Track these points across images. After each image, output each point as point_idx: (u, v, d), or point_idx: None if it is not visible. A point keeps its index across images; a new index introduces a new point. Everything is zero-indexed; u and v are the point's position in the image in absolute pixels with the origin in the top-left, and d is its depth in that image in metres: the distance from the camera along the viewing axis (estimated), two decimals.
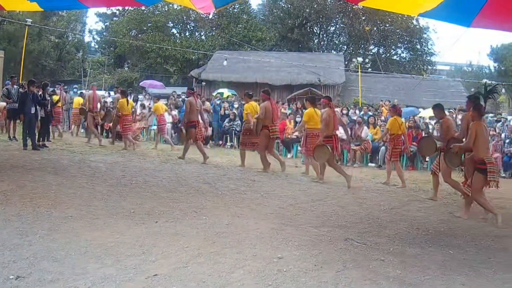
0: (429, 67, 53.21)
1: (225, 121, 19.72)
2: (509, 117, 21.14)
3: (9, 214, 7.16)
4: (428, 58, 51.70)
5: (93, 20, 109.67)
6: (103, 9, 55.90)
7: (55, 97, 17.37)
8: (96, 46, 63.10)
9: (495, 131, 16.57)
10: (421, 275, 5.54)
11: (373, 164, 16.11)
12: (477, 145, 8.55)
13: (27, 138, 14.51)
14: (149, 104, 21.54)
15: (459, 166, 9.94)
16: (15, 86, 17.05)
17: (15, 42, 39.89)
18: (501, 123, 18.90)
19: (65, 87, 19.53)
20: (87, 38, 61.44)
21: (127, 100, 16.44)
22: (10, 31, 40.82)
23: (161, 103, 18.87)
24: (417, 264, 5.92)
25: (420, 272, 5.62)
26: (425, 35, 49.84)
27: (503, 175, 15.12)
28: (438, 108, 10.64)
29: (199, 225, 7.21)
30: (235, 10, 48.63)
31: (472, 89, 45.33)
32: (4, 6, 13.29)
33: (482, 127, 8.64)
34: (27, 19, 31.30)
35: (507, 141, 15.52)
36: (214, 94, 29.34)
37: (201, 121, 14.64)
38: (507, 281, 5.58)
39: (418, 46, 50.56)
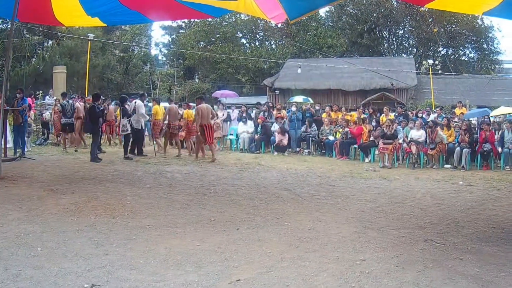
0: (497, 66, 52.25)
1: (302, 128, 19.88)
2: None
3: (82, 225, 7.29)
4: (495, 57, 50.71)
5: (158, 33, 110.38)
6: (168, 22, 56.64)
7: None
8: (164, 59, 63.54)
9: None
10: (498, 272, 5.64)
11: (448, 166, 16.13)
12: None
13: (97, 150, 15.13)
14: (222, 114, 22.04)
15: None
16: (69, 101, 18.29)
17: (77, 57, 39.69)
18: None
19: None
20: (153, 51, 61.83)
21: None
22: (71, 46, 40.17)
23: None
24: (494, 262, 6.03)
25: (497, 270, 5.72)
26: (490, 34, 48.87)
27: None
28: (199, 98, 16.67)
29: (281, 230, 7.35)
30: (304, 18, 48.50)
31: None
32: (63, 23, 13.33)
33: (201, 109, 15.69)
34: (89, 34, 31.91)
35: None
36: (290, 101, 29.43)
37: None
38: None
39: (485, 46, 49.60)
